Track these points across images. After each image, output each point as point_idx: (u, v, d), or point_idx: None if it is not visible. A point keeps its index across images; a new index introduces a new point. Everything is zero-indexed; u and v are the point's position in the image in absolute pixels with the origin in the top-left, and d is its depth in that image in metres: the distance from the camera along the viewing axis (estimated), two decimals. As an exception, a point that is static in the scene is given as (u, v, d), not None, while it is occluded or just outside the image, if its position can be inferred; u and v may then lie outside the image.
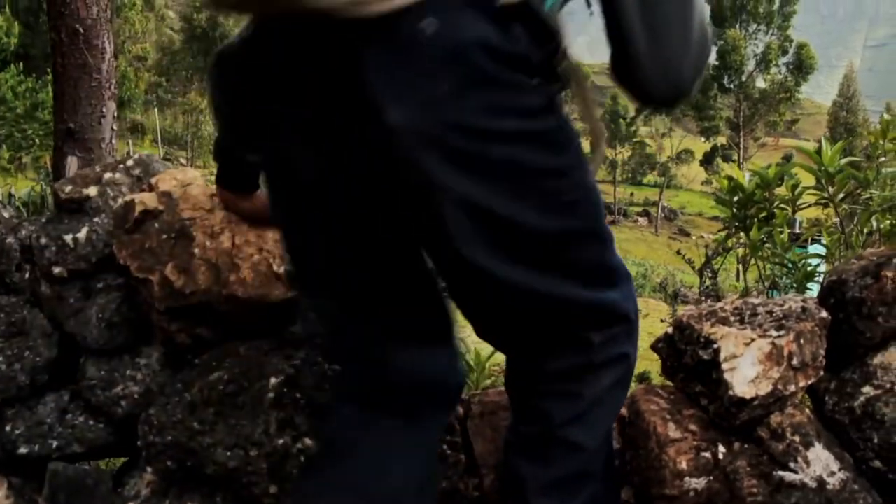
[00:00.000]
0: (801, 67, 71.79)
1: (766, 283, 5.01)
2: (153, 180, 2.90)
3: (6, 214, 3.31)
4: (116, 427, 3.03)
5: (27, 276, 3.08)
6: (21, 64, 34.42)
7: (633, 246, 79.29)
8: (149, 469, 2.80)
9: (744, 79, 72.81)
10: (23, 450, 2.99)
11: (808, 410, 2.49)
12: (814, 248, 4.65)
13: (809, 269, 4.58)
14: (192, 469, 2.69)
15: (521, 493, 1.99)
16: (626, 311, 2.01)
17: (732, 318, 2.49)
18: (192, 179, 2.92)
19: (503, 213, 1.68)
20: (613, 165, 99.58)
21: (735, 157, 75.70)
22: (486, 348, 5.38)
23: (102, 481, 3.11)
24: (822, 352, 2.43)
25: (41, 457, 3.02)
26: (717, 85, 73.55)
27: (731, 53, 70.92)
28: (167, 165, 3.29)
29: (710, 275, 5.67)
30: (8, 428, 3.00)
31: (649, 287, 34.90)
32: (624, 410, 2.70)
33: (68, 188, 3.07)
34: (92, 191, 3.07)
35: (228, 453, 2.62)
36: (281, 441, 2.59)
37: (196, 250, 2.72)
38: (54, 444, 3.01)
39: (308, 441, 2.58)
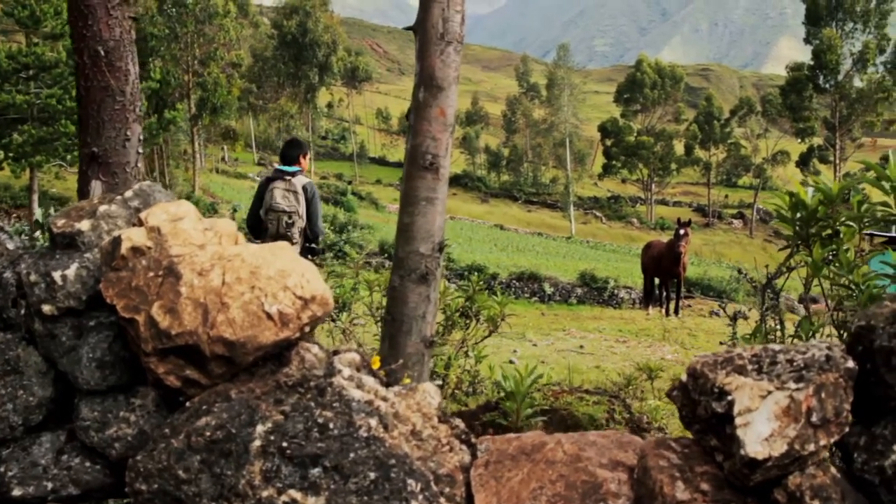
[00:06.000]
0: (900, 66, 70.03)
1: (831, 305, 4.74)
2: (143, 215, 2.78)
3: (10, 246, 3.21)
4: (113, 468, 2.92)
5: (22, 311, 2.98)
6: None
7: (727, 248, 78.35)
8: (138, 516, 2.67)
9: (840, 78, 71.15)
10: (17, 492, 2.89)
11: (832, 470, 2.24)
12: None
13: (875, 290, 4.30)
14: (179, 518, 2.56)
15: None
16: None
17: (749, 367, 2.26)
18: (184, 213, 2.79)
19: None
20: (707, 167, 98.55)
21: (832, 158, 74.15)
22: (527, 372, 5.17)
23: (100, 524, 3.01)
24: (847, 406, 2.19)
25: (36, 499, 2.91)
26: (812, 85, 72.02)
27: (826, 53, 69.39)
28: (169, 196, 3.16)
29: (771, 295, 5.39)
30: (2, 469, 2.90)
31: (742, 291, 34.33)
32: (634, 459, 2.50)
33: (61, 222, 2.97)
34: (84, 225, 2.96)
35: (214, 504, 2.48)
36: (266, 493, 2.43)
37: (183, 289, 2.59)
38: (49, 485, 2.90)
39: (294, 493, 2.42)
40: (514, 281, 37.95)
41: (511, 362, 13.23)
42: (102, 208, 3.01)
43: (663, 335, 18.93)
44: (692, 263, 43.04)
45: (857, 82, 72.42)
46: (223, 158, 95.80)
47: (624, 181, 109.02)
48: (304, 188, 9.50)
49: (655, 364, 8.84)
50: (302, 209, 9.33)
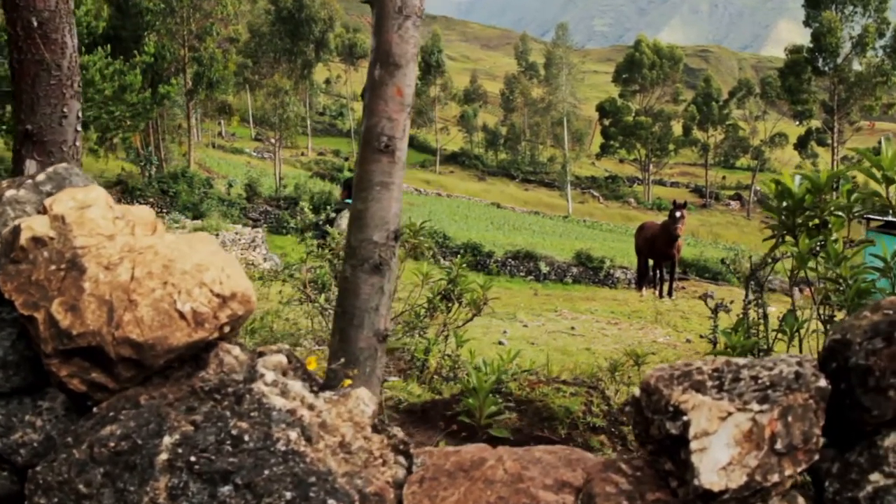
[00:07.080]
0: (899, 50, 69.72)
1: (817, 299, 4.49)
2: (48, 202, 2.50)
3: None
4: (21, 475, 2.66)
5: (-80, 305, 2.71)
6: (109, 46, 34.61)
7: (724, 230, 78.20)
8: (41, 531, 2.41)
9: (839, 61, 70.78)
10: (-86, 501, 2.64)
11: (800, 500, 1.99)
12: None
13: (864, 285, 4.06)
14: (81, 536, 2.30)
15: None
16: None
17: (709, 384, 2.01)
18: (93, 200, 2.52)
19: None
20: (705, 148, 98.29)
21: (829, 141, 73.93)
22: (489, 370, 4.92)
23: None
24: (818, 431, 1.94)
25: (-64, 509, 2.66)
26: (811, 68, 71.69)
27: (826, 36, 69.04)
28: (87, 180, 2.89)
29: (754, 287, 5.15)
30: None
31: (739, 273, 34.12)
32: (582, 479, 2.24)
33: (-39, 207, 2.70)
34: (-13, 210, 2.69)
35: (116, 523, 2.22)
36: (171, 513, 2.18)
37: (87, 284, 2.33)
38: (-49, 494, 2.65)
39: (202, 515, 2.17)
40: (509, 259, 37.85)
41: (501, 343, 13.04)
42: (10, 193, 2.74)
43: (656, 317, 18.74)
44: (688, 244, 42.85)
45: (857, 66, 72.08)
46: (220, 133, 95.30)
47: (621, 161, 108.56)
48: None
49: (644, 349, 8.59)
50: None
